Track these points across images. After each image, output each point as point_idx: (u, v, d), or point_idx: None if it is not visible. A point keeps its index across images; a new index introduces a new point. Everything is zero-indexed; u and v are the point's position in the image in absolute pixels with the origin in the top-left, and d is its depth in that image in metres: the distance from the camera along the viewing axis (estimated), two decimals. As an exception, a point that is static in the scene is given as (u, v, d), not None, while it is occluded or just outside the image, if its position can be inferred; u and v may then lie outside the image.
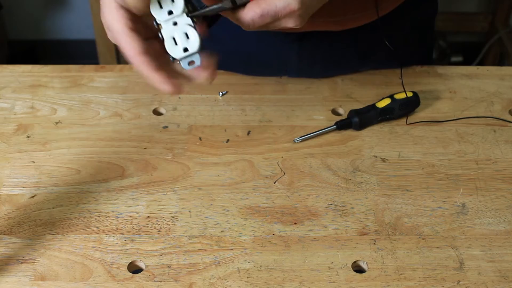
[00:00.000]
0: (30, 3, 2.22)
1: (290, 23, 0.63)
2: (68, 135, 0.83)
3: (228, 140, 0.83)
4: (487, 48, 2.20)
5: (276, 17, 0.62)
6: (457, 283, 0.67)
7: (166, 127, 0.85)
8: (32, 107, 0.88)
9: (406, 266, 0.68)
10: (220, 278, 0.67)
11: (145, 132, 0.84)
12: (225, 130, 0.85)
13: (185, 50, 0.60)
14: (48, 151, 0.81)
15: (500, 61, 2.20)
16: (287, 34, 0.87)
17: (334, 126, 0.84)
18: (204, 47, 0.59)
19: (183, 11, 0.58)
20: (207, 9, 0.61)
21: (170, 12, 0.59)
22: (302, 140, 0.83)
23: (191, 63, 0.60)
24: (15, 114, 0.87)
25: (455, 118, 0.87)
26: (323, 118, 0.87)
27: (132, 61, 0.60)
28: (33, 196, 0.75)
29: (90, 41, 2.07)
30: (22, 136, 0.83)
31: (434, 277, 0.67)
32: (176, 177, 0.78)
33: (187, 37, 0.59)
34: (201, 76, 0.62)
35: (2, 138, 0.83)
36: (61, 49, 2.32)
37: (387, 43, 0.81)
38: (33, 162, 0.79)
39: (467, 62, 2.29)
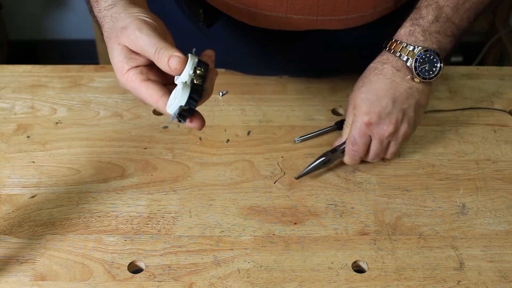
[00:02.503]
0: (30, 3, 2.22)
1: (385, 127, 0.75)
2: (68, 135, 0.83)
3: (228, 140, 0.83)
4: (487, 48, 2.20)
5: (362, 133, 0.75)
6: (457, 283, 0.66)
7: (166, 127, 0.85)
8: (32, 107, 0.87)
9: (406, 266, 0.68)
10: (220, 278, 0.67)
11: (145, 132, 0.84)
12: (225, 130, 0.85)
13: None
14: (48, 151, 0.81)
15: (500, 61, 2.20)
16: (287, 34, 0.87)
17: (334, 126, 0.84)
18: (191, 108, 0.61)
19: (187, 72, 0.60)
20: (311, 166, 0.77)
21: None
22: (302, 140, 0.83)
23: (175, 115, 0.62)
24: (15, 114, 0.87)
25: (457, 109, 0.87)
26: (323, 118, 0.87)
27: (156, 107, 0.62)
28: (33, 196, 0.75)
29: (90, 41, 2.07)
30: (22, 136, 0.83)
31: (434, 277, 0.67)
32: (176, 177, 0.78)
33: (179, 93, 0.61)
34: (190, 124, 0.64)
35: (2, 138, 0.83)
36: (61, 49, 2.31)
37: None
38: (33, 162, 0.79)
39: (467, 62, 2.29)
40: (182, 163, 0.80)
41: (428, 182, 0.78)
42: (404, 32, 0.75)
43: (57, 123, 0.85)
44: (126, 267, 0.67)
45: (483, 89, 0.92)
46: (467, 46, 2.34)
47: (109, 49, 0.65)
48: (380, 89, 0.73)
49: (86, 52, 2.19)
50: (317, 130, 0.84)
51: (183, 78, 0.60)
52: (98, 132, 0.84)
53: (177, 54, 0.60)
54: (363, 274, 0.67)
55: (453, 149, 0.83)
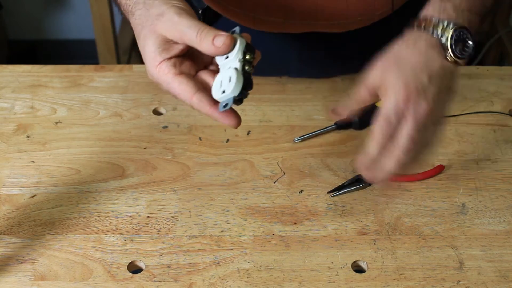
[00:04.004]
0: (30, 3, 2.22)
1: (421, 106, 0.62)
2: (68, 135, 0.83)
3: (228, 140, 0.83)
4: (487, 48, 2.20)
5: (399, 110, 0.62)
6: (457, 283, 0.66)
7: (166, 127, 0.85)
8: (32, 107, 0.87)
9: (406, 266, 0.68)
10: (220, 278, 0.67)
11: (145, 132, 0.84)
12: (225, 130, 0.85)
13: (224, 92, 0.60)
14: (48, 151, 0.81)
15: (500, 61, 2.20)
16: (286, 35, 0.87)
17: (334, 126, 0.84)
18: (245, 94, 0.59)
19: (237, 57, 0.58)
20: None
21: (228, 57, 0.60)
22: (302, 140, 0.83)
23: (226, 105, 0.60)
24: (15, 114, 0.86)
25: (459, 114, 0.87)
26: (323, 118, 0.87)
27: (190, 104, 0.61)
28: (33, 196, 0.75)
29: (90, 41, 2.07)
30: (22, 136, 0.83)
31: (434, 277, 0.67)
32: (176, 177, 0.78)
33: (230, 81, 0.59)
34: (226, 120, 0.62)
35: (2, 138, 0.83)
36: (61, 49, 2.31)
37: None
38: (33, 162, 0.79)
39: (467, 62, 2.29)
40: (182, 163, 0.80)
41: (428, 182, 0.78)
42: (434, 9, 0.68)
43: (57, 123, 0.85)
44: (126, 267, 0.67)
45: (483, 89, 0.92)
46: (467, 46, 2.34)
47: (141, 38, 0.62)
48: (415, 64, 0.64)
49: (86, 52, 2.19)
50: (317, 130, 0.84)
51: (232, 63, 0.57)
52: (97, 132, 0.84)
53: (223, 33, 0.57)
54: (363, 274, 0.67)
55: (453, 149, 0.82)
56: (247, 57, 0.57)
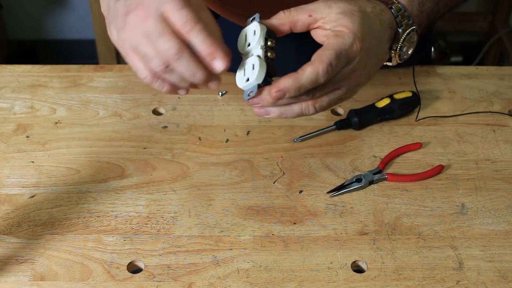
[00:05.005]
0: (30, 3, 2.22)
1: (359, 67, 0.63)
2: (67, 135, 0.83)
3: (227, 140, 0.83)
4: (487, 48, 2.20)
5: (349, 58, 0.61)
6: (457, 283, 0.66)
7: (165, 127, 0.85)
8: (32, 107, 0.87)
9: (405, 266, 0.68)
10: (219, 278, 0.67)
11: (144, 132, 0.84)
12: (225, 130, 0.85)
13: (248, 80, 0.59)
14: (47, 151, 0.81)
15: (500, 61, 2.20)
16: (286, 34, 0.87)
17: (334, 126, 0.84)
18: (269, 81, 0.58)
19: (258, 44, 0.57)
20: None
21: (250, 44, 0.59)
22: (302, 140, 0.83)
23: (250, 93, 0.60)
24: (14, 114, 0.87)
25: (461, 113, 0.87)
26: (322, 118, 0.87)
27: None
28: (32, 196, 0.75)
29: (90, 41, 2.07)
30: (22, 136, 0.83)
31: (434, 277, 0.67)
32: (176, 177, 0.78)
33: (253, 68, 0.58)
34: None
35: (2, 138, 0.83)
36: (61, 49, 2.31)
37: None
38: (33, 162, 0.79)
39: (467, 62, 2.29)
40: (181, 163, 0.80)
41: (428, 182, 0.78)
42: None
43: (56, 123, 0.85)
44: (126, 267, 0.67)
45: (483, 89, 0.92)
46: (467, 46, 2.34)
47: None
48: (376, 30, 0.66)
49: (86, 52, 2.19)
50: (316, 130, 0.84)
51: (254, 50, 0.57)
52: (97, 132, 0.84)
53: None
54: (362, 274, 0.67)
55: (452, 149, 0.82)
56: (268, 43, 0.57)
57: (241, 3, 0.82)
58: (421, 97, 0.88)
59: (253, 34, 0.59)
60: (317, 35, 0.65)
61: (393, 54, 0.70)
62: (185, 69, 0.58)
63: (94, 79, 0.92)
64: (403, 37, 0.69)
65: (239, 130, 0.85)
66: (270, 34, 0.57)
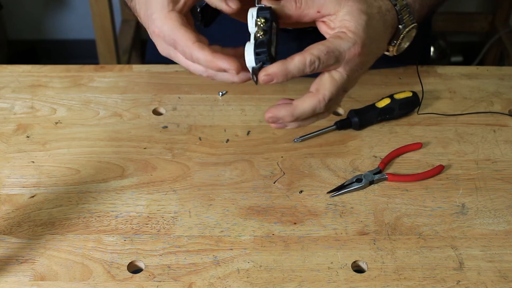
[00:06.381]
0: (30, 3, 2.22)
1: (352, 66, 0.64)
2: (67, 135, 0.83)
3: (227, 140, 0.83)
4: (487, 48, 2.20)
5: (340, 58, 0.63)
6: (457, 283, 0.66)
7: (165, 127, 0.85)
8: (32, 107, 0.88)
9: (405, 266, 0.68)
10: (219, 278, 0.67)
11: (144, 132, 0.84)
12: (225, 130, 0.85)
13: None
14: (47, 151, 0.81)
15: (500, 61, 2.20)
16: (285, 33, 0.87)
17: (334, 126, 0.84)
18: (264, 59, 0.59)
19: (251, 26, 0.58)
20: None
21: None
22: (302, 140, 0.83)
23: (253, 75, 0.60)
24: (14, 114, 0.87)
25: (462, 113, 0.87)
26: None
27: (189, 53, 0.62)
28: (32, 196, 0.75)
29: (90, 41, 2.07)
30: (22, 136, 0.83)
31: (434, 277, 0.67)
32: (176, 177, 0.78)
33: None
34: (225, 63, 0.62)
35: (2, 138, 0.83)
36: (61, 49, 2.31)
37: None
38: (33, 162, 0.79)
39: (467, 62, 2.29)
40: (181, 163, 0.80)
41: (428, 182, 0.78)
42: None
43: (56, 123, 0.85)
44: (126, 267, 0.67)
45: (483, 89, 0.92)
46: (467, 46, 2.34)
47: None
48: (378, 32, 0.67)
49: (86, 52, 2.19)
50: (316, 130, 0.84)
51: (251, 30, 0.57)
52: (97, 132, 0.84)
53: None
54: (362, 274, 0.67)
55: (452, 149, 0.83)
56: (258, 23, 0.57)
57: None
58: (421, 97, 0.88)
59: (251, 18, 0.60)
60: (321, 28, 0.67)
61: (391, 49, 0.71)
62: None
63: (95, 79, 0.92)
64: (402, 35, 0.70)
65: (239, 130, 0.85)
66: (261, 13, 0.57)
